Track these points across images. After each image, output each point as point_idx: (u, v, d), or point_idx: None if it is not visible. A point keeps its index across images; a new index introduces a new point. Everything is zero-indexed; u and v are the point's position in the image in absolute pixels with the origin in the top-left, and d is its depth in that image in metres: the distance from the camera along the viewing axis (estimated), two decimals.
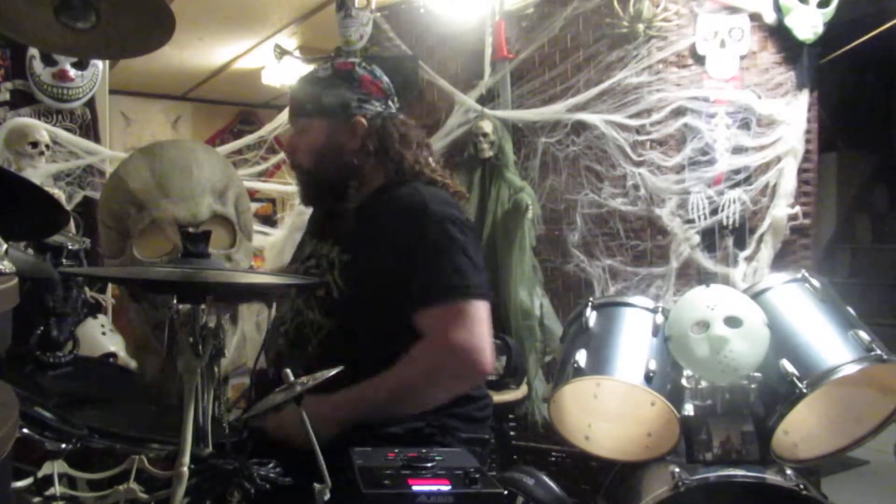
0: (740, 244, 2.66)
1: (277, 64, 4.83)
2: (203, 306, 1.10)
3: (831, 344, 1.89)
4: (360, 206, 1.65)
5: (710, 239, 2.69)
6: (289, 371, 1.16)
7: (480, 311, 1.51)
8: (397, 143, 1.66)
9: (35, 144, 2.81)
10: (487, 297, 1.54)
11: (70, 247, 1.66)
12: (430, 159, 1.70)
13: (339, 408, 1.48)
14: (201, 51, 5.30)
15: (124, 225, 1.81)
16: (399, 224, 1.56)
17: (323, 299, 1.60)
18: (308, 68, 3.97)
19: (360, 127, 1.64)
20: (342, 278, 1.58)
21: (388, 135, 1.66)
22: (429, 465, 1.15)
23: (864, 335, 1.87)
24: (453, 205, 1.62)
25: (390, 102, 1.70)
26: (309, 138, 1.66)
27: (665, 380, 1.96)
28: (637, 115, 2.78)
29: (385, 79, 1.72)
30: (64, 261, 1.64)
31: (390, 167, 1.65)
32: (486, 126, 2.93)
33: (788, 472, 1.79)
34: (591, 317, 2.12)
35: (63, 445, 1.06)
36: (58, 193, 2.80)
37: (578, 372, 1.96)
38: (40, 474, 1.03)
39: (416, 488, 1.07)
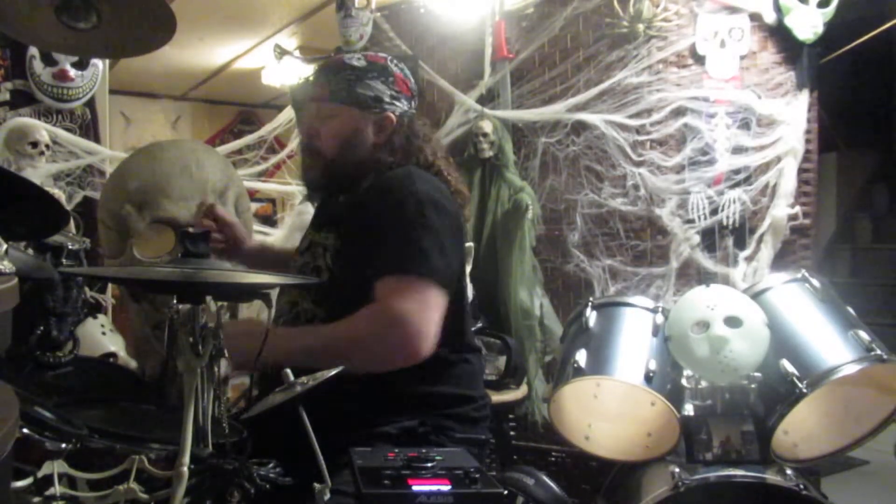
0: (740, 244, 2.66)
1: (277, 64, 4.82)
2: (203, 306, 1.10)
3: (831, 344, 1.89)
4: (358, 192, 1.65)
5: (710, 239, 2.69)
6: (288, 371, 1.16)
7: (435, 296, 1.47)
8: (422, 141, 1.67)
9: (35, 144, 2.81)
10: (446, 287, 1.49)
11: (70, 247, 1.66)
12: (443, 158, 1.71)
13: (281, 344, 1.41)
14: (201, 51, 5.30)
15: (124, 225, 1.81)
16: (382, 199, 1.55)
17: (316, 286, 1.60)
18: (308, 68, 3.98)
19: (389, 123, 1.64)
20: (332, 261, 1.58)
21: (415, 134, 1.66)
22: (429, 465, 1.15)
23: (864, 335, 1.87)
24: (444, 193, 1.60)
25: (413, 104, 1.71)
26: (335, 126, 1.64)
27: (665, 380, 1.96)
28: (637, 115, 2.78)
29: (412, 78, 1.72)
30: (64, 261, 1.64)
31: (410, 162, 1.65)
32: (486, 126, 2.93)
33: (788, 472, 1.79)
34: (591, 317, 2.12)
35: (63, 445, 1.06)
36: (58, 193, 2.80)
37: (578, 372, 1.95)
38: (40, 474, 1.03)
39: (416, 488, 1.07)
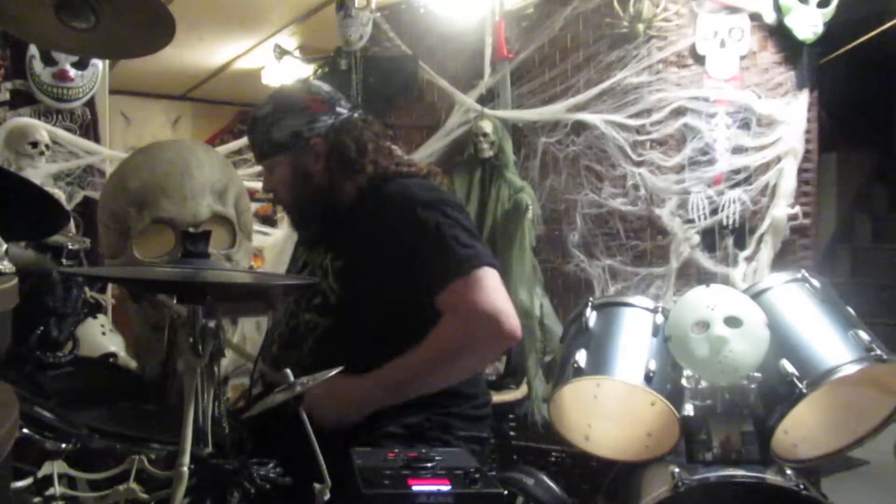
0: (740, 244, 2.66)
1: (277, 64, 4.83)
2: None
3: (831, 344, 1.89)
4: (346, 212, 1.66)
5: (710, 239, 2.69)
6: (288, 371, 1.16)
7: (494, 278, 1.53)
8: (354, 151, 1.65)
9: (35, 144, 2.80)
10: (496, 265, 1.56)
11: (70, 247, 1.66)
12: (393, 153, 1.71)
13: (372, 390, 1.49)
14: (201, 51, 5.30)
15: (124, 225, 1.81)
16: (393, 220, 1.57)
17: (319, 307, 1.62)
18: (308, 68, 3.97)
19: (321, 147, 1.64)
20: (337, 283, 1.59)
21: (345, 147, 1.65)
22: (429, 465, 1.15)
23: (864, 335, 1.87)
24: (438, 189, 1.65)
25: (339, 108, 1.67)
26: (279, 176, 1.68)
27: (665, 380, 1.96)
28: (637, 115, 2.78)
29: (324, 88, 1.70)
30: (64, 261, 1.64)
31: (360, 175, 1.66)
32: (486, 126, 2.93)
33: (788, 472, 1.79)
34: (591, 317, 2.12)
35: (63, 445, 1.06)
36: (58, 193, 2.80)
37: (578, 372, 1.95)
38: (40, 474, 1.04)
39: (416, 488, 1.07)
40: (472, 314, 1.49)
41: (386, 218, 1.58)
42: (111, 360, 2.34)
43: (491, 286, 1.51)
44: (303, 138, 1.63)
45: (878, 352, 1.82)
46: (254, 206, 2.39)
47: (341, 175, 1.65)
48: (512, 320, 1.51)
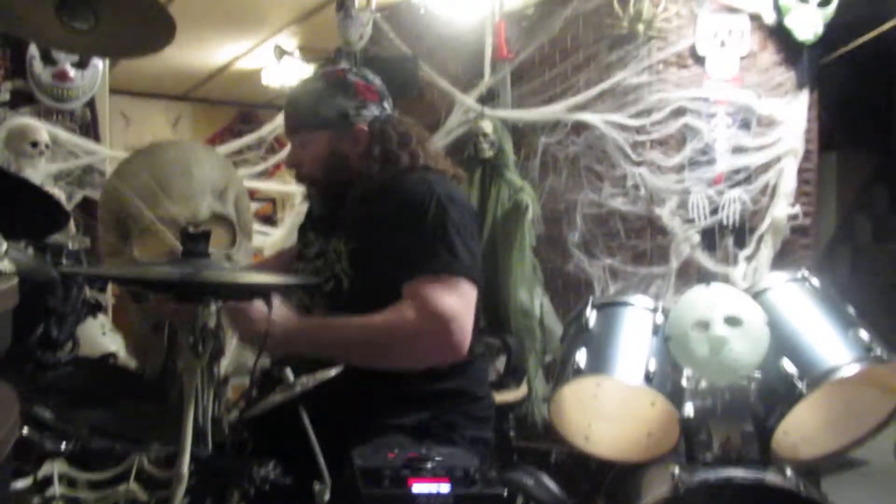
0: (740, 244, 2.67)
1: (277, 64, 4.84)
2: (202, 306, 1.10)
3: (831, 344, 1.89)
4: (365, 199, 1.66)
5: (710, 239, 2.69)
6: (288, 370, 1.16)
7: (469, 291, 1.50)
8: (396, 145, 1.66)
9: (35, 144, 2.81)
10: (477, 282, 1.52)
11: (70, 247, 1.66)
12: (431, 151, 1.71)
13: (298, 332, 1.47)
14: (201, 51, 5.30)
15: (124, 225, 1.81)
16: (404, 207, 1.56)
17: (331, 293, 1.61)
18: (308, 68, 3.98)
19: (362, 134, 1.65)
20: (350, 266, 1.59)
21: (388, 138, 1.66)
22: (429, 465, 1.15)
23: (864, 335, 1.86)
24: (458, 190, 1.64)
25: (385, 104, 1.71)
26: (312, 151, 1.66)
27: (665, 380, 1.96)
28: (637, 115, 2.79)
29: (377, 81, 1.72)
30: (64, 261, 1.64)
31: (392, 166, 1.66)
32: (486, 126, 2.93)
33: (788, 472, 1.79)
34: (591, 316, 2.12)
35: (63, 445, 1.06)
36: (58, 193, 2.80)
37: (578, 372, 1.95)
38: (40, 474, 1.04)
39: (416, 488, 1.07)
40: (425, 308, 1.45)
41: (399, 203, 1.58)
42: (111, 360, 2.34)
43: (457, 294, 1.47)
44: (348, 121, 1.64)
45: (878, 352, 1.82)
46: (254, 206, 2.39)
47: (376, 162, 1.65)
48: (463, 333, 1.46)
